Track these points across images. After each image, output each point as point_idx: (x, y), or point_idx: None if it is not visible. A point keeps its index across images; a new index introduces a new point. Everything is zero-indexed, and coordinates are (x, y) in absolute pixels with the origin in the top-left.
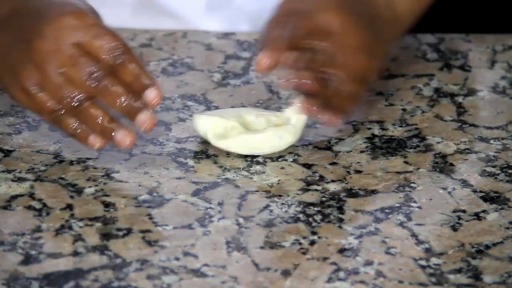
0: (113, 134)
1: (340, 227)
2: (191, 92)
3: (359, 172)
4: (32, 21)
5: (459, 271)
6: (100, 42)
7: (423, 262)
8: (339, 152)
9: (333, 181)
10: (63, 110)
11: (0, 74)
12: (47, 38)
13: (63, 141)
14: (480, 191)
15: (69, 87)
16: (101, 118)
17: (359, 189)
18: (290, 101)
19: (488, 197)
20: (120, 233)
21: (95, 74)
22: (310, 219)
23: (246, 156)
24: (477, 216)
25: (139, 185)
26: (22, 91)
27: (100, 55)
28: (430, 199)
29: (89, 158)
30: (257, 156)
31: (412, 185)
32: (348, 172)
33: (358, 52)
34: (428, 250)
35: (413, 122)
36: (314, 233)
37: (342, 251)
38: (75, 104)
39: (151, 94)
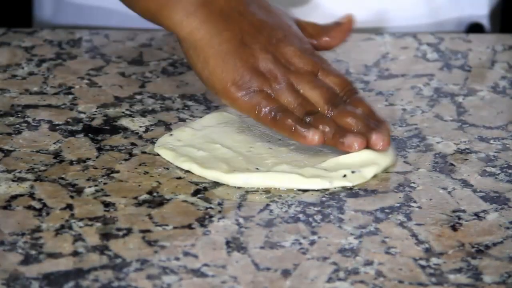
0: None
1: (340, 227)
2: (191, 92)
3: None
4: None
5: (459, 271)
6: (336, 77)
7: (423, 262)
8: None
9: None
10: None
11: (220, 65)
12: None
13: (63, 141)
14: (480, 191)
15: (305, 105)
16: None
17: (359, 189)
18: None
19: (488, 197)
20: (120, 233)
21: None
22: (310, 219)
23: None
24: (477, 216)
25: (139, 185)
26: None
27: (337, 87)
28: (430, 199)
29: (89, 158)
30: None
31: (412, 185)
32: None
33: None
34: (428, 250)
35: (413, 122)
36: (314, 233)
37: (342, 251)
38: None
39: (385, 126)
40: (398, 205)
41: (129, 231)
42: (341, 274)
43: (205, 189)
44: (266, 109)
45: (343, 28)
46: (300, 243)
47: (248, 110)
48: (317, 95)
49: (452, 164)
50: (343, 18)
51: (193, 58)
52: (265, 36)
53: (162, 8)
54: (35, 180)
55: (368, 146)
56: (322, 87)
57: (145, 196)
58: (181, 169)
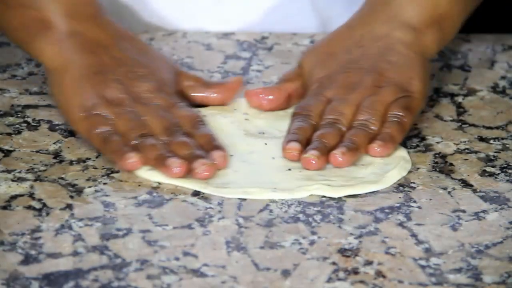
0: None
1: (340, 227)
2: None
3: None
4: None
5: (459, 271)
6: (185, 112)
7: (423, 262)
8: None
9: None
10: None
11: (68, 91)
12: (144, 81)
13: (63, 141)
14: (480, 191)
15: (141, 130)
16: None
17: None
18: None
19: (488, 197)
20: (120, 233)
21: (173, 128)
22: (310, 219)
23: None
24: (477, 216)
25: (139, 185)
26: (86, 116)
27: (182, 120)
28: (430, 199)
29: (89, 158)
30: None
31: (412, 185)
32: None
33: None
34: (428, 250)
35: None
36: (314, 233)
37: (342, 251)
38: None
39: (218, 155)
40: (398, 205)
41: (129, 231)
42: (341, 274)
43: None
44: (99, 131)
45: (229, 87)
46: (300, 243)
47: (84, 131)
48: (157, 123)
49: (452, 164)
50: (232, 79)
51: (51, 84)
52: (124, 70)
53: (30, 37)
54: (35, 180)
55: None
56: (164, 117)
57: (145, 196)
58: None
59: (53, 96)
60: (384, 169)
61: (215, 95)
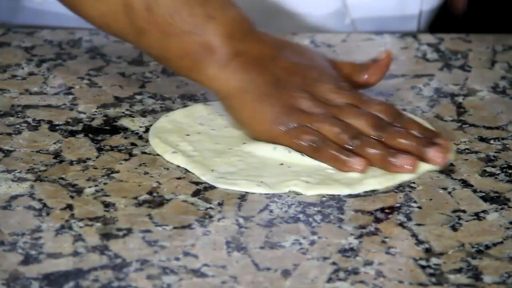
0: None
1: (340, 227)
2: (191, 92)
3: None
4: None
5: (459, 271)
6: (379, 104)
7: (423, 262)
8: None
9: None
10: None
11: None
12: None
13: (63, 141)
14: (480, 191)
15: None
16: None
17: None
18: None
19: (488, 197)
20: (120, 233)
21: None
22: (310, 219)
23: None
24: (477, 216)
25: (139, 185)
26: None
27: (381, 112)
28: (430, 199)
29: (89, 158)
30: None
31: (412, 185)
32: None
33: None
34: (428, 250)
35: None
36: (314, 233)
37: (342, 251)
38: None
39: (442, 141)
40: (398, 205)
41: (129, 231)
42: (341, 274)
43: (205, 189)
44: (306, 141)
45: (381, 64)
46: (300, 243)
47: (290, 144)
48: (363, 122)
49: (452, 164)
50: (381, 54)
51: (230, 108)
52: (300, 77)
53: (196, 64)
54: (35, 180)
55: (426, 162)
56: (367, 114)
57: (145, 196)
58: (181, 169)
59: (236, 119)
60: (362, 175)
61: (366, 76)
